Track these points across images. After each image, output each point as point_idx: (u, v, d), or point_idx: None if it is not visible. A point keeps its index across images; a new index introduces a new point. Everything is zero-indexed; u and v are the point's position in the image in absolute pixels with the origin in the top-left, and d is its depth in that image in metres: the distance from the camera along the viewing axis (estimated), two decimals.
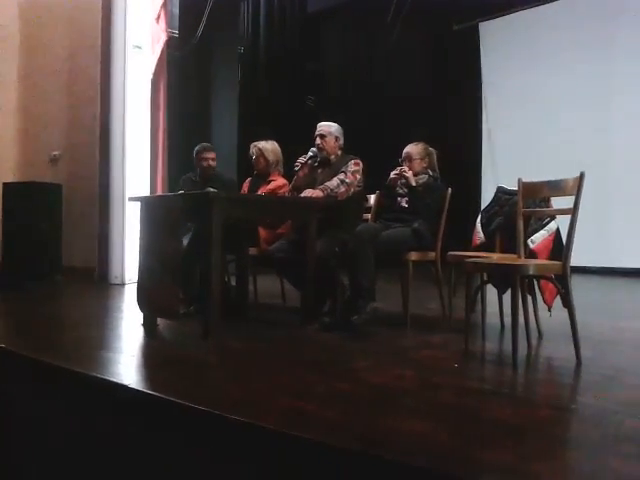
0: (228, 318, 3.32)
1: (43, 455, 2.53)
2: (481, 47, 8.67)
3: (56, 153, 6.36)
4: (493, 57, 8.57)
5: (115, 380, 2.21)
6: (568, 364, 2.57)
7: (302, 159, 3.82)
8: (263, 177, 4.33)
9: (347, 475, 1.53)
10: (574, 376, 2.48)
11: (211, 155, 4.47)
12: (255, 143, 4.38)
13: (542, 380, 2.56)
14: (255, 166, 4.39)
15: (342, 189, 3.70)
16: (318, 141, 3.85)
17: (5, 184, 6.08)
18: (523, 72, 8.11)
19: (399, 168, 3.68)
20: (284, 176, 4.32)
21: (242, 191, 4.44)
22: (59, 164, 6.35)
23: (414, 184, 3.62)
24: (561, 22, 7.77)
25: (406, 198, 3.68)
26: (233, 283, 4.11)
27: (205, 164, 4.44)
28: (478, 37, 8.68)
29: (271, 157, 4.29)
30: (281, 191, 4.14)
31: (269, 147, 4.32)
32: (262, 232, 4.08)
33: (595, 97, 7.48)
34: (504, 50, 8.43)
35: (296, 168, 3.82)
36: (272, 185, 4.20)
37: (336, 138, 3.87)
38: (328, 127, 3.88)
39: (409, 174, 3.63)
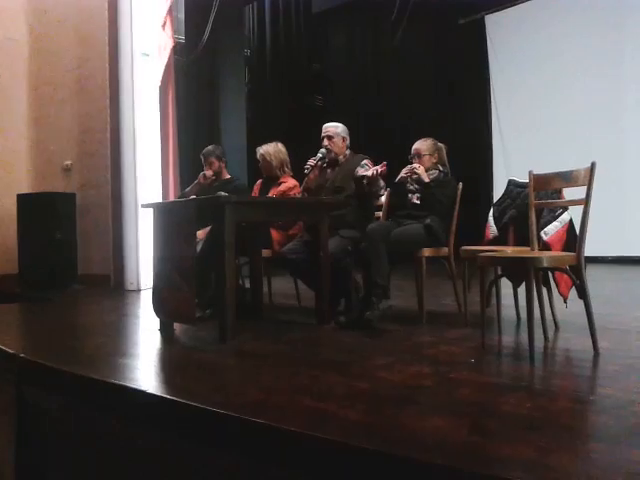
0: (244, 320, 3.34)
1: (65, 461, 2.56)
2: (488, 40, 8.64)
3: (68, 163, 6.42)
4: (500, 49, 8.53)
5: (134, 386, 2.23)
6: (586, 355, 2.56)
7: (312, 161, 3.82)
8: (273, 179, 4.34)
9: (370, 475, 1.54)
10: (592, 367, 2.46)
11: (209, 160, 4.55)
12: (258, 148, 4.39)
13: (560, 372, 2.54)
14: (262, 170, 4.41)
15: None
16: (325, 142, 3.85)
17: (19, 195, 6.16)
18: (531, 63, 8.06)
19: (409, 167, 3.67)
20: (294, 177, 4.34)
21: (253, 193, 4.46)
22: (72, 173, 6.42)
23: (427, 180, 3.61)
24: (569, 10, 7.71)
25: (417, 194, 3.67)
26: (247, 285, 4.13)
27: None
28: (484, 30, 8.65)
29: (274, 161, 4.29)
30: (292, 192, 4.15)
31: (271, 150, 4.31)
32: (274, 234, 4.09)
33: (606, 86, 7.42)
34: (511, 42, 8.38)
35: (306, 171, 3.82)
36: (283, 187, 4.22)
37: (343, 138, 3.88)
38: (334, 128, 3.89)
39: (420, 170, 3.61)
